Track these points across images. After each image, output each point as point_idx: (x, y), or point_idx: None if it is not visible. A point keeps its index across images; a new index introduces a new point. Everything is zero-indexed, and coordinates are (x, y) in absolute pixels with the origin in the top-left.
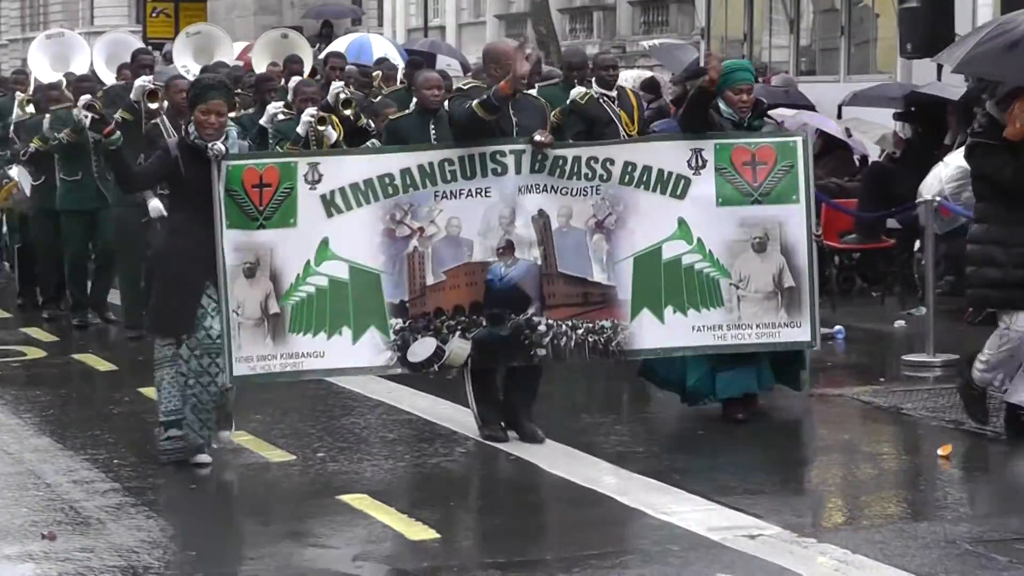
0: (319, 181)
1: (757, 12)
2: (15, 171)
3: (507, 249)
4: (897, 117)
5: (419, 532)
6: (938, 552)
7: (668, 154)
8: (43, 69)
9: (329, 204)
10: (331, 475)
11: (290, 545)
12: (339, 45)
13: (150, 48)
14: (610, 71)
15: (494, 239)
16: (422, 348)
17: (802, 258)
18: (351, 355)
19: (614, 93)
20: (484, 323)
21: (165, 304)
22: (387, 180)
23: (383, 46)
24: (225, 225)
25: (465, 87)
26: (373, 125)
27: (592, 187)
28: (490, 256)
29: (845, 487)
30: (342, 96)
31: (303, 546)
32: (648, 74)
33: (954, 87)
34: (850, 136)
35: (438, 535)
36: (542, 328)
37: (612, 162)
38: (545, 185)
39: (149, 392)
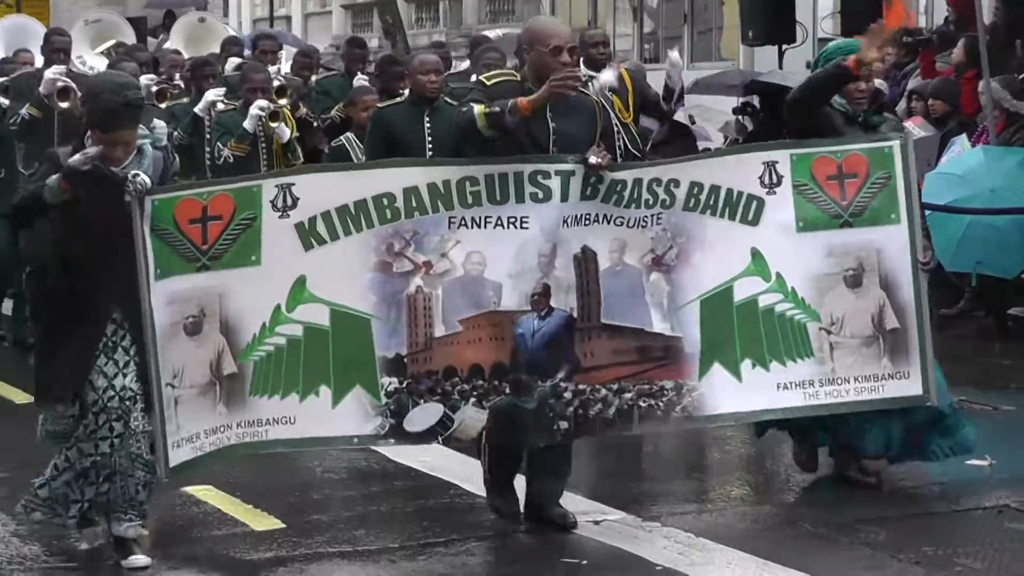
0: (293, 206)
1: (601, 1)
2: None
3: (543, 296)
4: (736, 110)
5: (264, 522)
6: (780, 534)
7: (736, 170)
8: None
9: (308, 234)
10: None
11: None
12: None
13: (65, 29)
14: (600, 48)
15: (529, 283)
16: (424, 416)
17: (906, 292)
18: (330, 421)
19: None
20: (507, 391)
21: (53, 365)
22: (385, 202)
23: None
24: (155, 276)
25: (489, 81)
26: (328, 116)
27: (652, 216)
28: (523, 304)
29: (689, 471)
30: (275, 83)
31: (149, 537)
32: None
33: (794, 75)
34: (694, 123)
35: (283, 525)
36: (567, 396)
37: (677, 184)
38: (596, 215)
39: None
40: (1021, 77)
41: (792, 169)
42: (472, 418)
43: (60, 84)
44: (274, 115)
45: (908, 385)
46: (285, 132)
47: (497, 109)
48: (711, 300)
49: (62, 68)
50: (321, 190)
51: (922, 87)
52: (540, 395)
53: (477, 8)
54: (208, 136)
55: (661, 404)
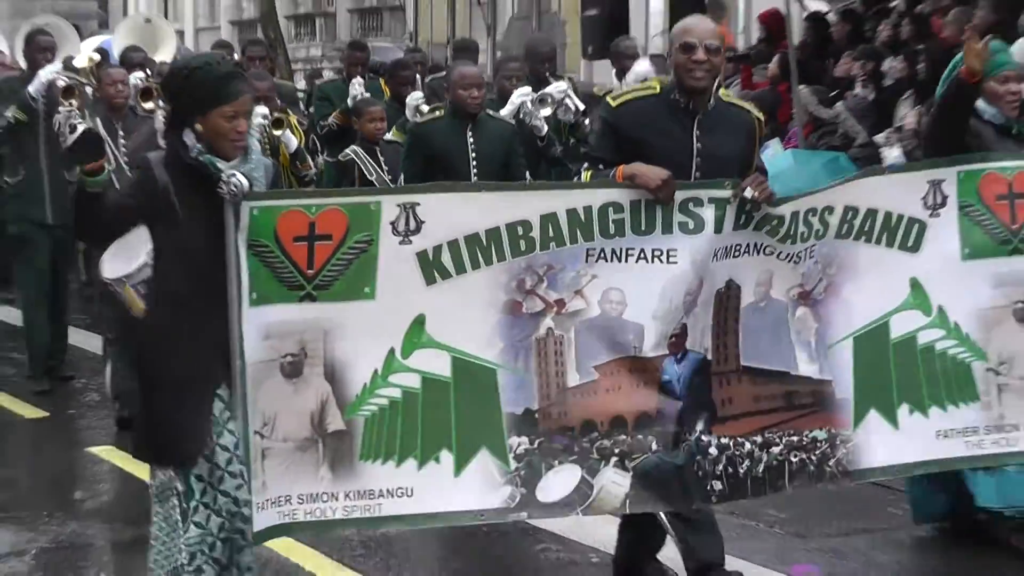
0: (416, 231)
1: (459, 19)
2: None
3: (680, 337)
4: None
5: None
6: None
7: (897, 191)
8: None
9: (431, 266)
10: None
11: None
12: (87, 47)
13: (46, 26)
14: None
15: (671, 323)
16: (560, 481)
17: None
18: (452, 493)
19: None
20: (654, 446)
21: (162, 416)
22: (520, 231)
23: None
24: (249, 300)
25: (615, 102)
26: (326, 124)
27: (807, 250)
28: (663, 347)
29: None
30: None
31: (56, 494)
32: None
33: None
34: None
35: None
36: (713, 451)
37: (831, 210)
38: (747, 245)
39: None
40: (833, 94)
41: (959, 188)
42: (614, 482)
43: (63, 82)
44: (277, 122)
45: None
46: (292, 140)
47: (600, 168)
48: (865, 338)
49: (56, 66)
50: (450, 213)
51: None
52: (687, 449)
53: (350, 24)
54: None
55: (814, 458)
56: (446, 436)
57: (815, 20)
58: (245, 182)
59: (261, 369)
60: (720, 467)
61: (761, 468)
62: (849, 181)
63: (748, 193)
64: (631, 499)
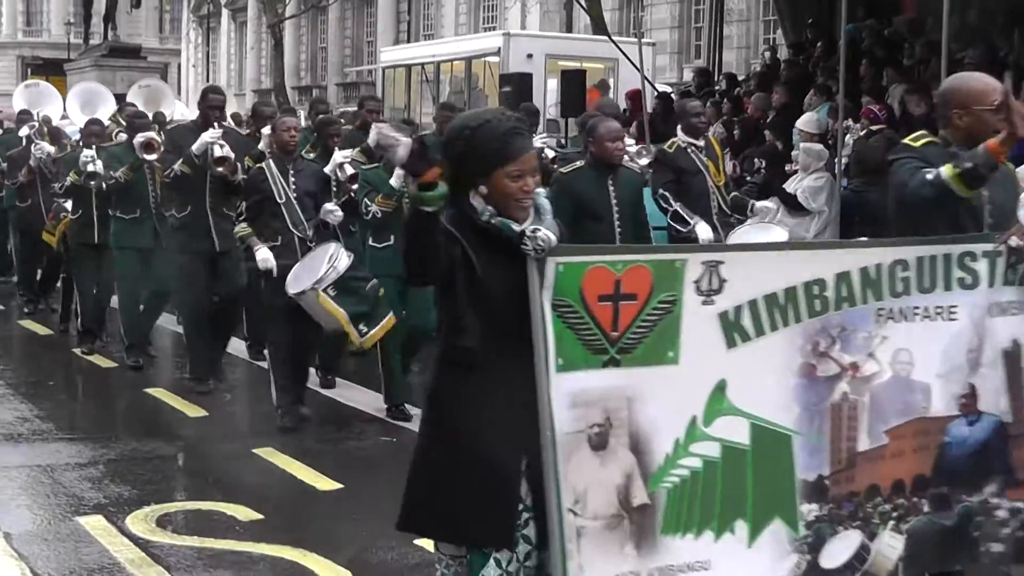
0: (719, 291)
1: (413, 91)
2: (70, 205)
3: (971, 397)
4: None
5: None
6: None
7: None
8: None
9: (732, 328)
10: (141, 377)
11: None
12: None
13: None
14: (699, 118)
15: (957, 383)
16: (842, 546)
17: None
18: (745, 562)
19: (702, 143)
20: (926, 508)
21: (463, 495)
22: (815, 290)
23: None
24: (556, 366)
25: (917, 143)
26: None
27: None
28: (952, 407)
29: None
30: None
31: (120, 421)
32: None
33: None
34: None
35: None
36: (1001, 514)
37: None
38: (1019, 303)
39: (32, 326)
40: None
41: None
42: (889, 546)
43: (217, 153)
44: None
45: None
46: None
47: (969, 165)
48: None
49: (218, 132)
50: (750, 272)
51: None
52: (963, 511)
53: (335, 94)
54: (335, 191)
55: None
56: (742, 506)
57: (663, 97)
58: (553, 237)
59: (570, 441)
60: (1008, 530)
61: None
62: None
63: (1013, 242)
64: (904, 562)
